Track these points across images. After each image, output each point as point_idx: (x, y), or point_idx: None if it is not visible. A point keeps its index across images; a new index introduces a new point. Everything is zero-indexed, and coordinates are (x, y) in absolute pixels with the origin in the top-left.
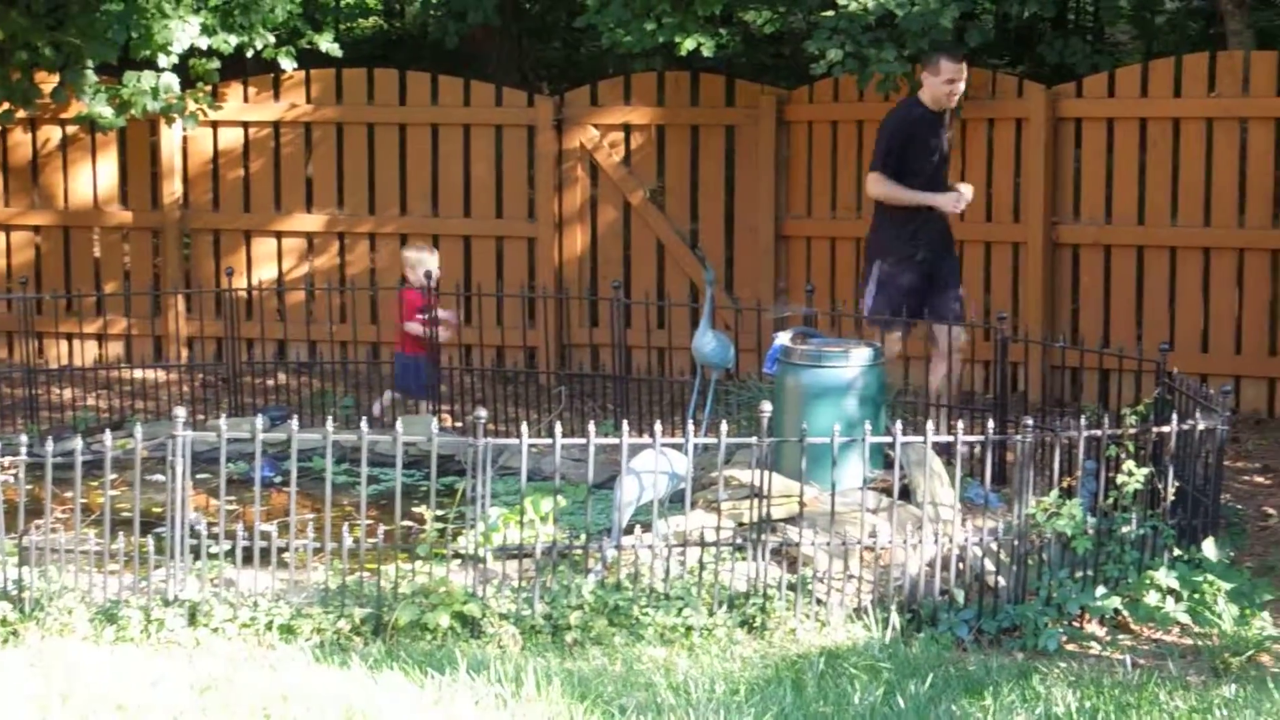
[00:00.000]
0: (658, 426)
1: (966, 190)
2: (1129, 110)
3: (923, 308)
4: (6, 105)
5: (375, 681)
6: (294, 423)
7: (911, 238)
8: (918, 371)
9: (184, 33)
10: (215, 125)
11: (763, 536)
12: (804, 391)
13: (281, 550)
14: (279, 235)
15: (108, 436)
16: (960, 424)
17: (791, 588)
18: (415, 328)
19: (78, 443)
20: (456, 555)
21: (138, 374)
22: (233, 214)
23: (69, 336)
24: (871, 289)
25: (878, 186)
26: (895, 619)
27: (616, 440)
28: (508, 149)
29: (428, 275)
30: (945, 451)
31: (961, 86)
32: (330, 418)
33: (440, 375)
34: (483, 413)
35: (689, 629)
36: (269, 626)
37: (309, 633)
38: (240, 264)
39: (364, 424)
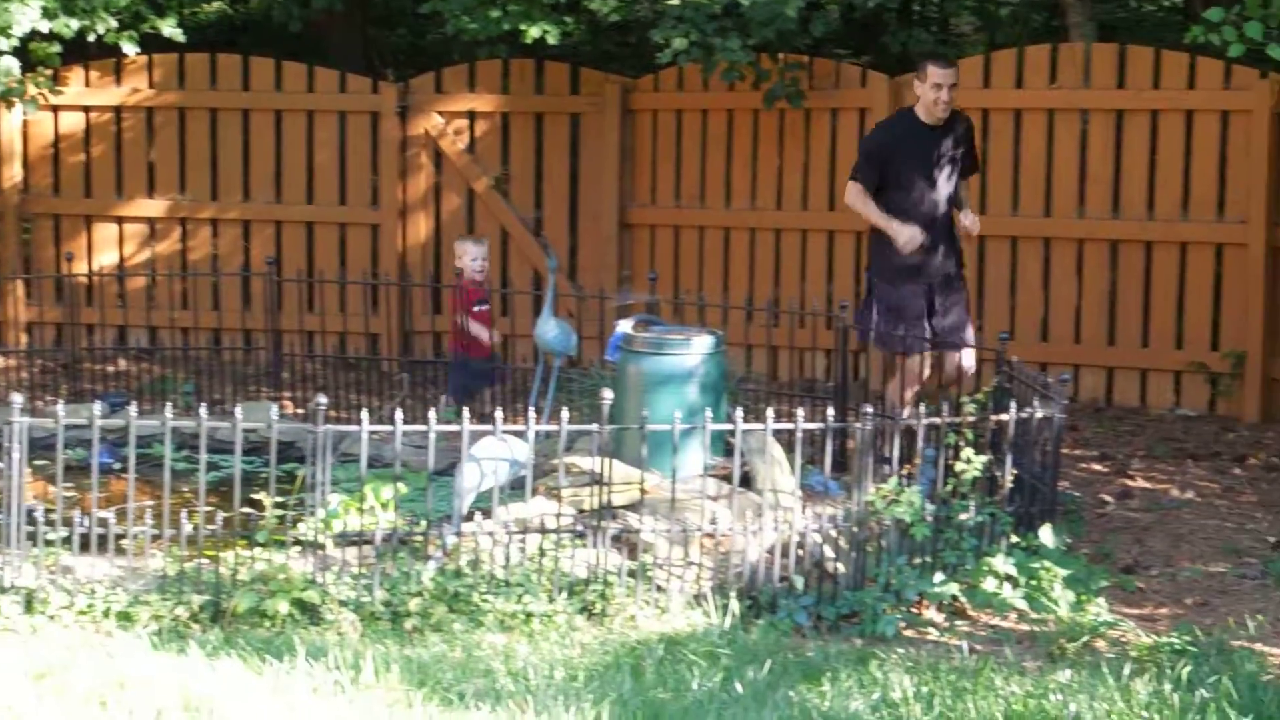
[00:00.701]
0: (499, 413)
1: (914, 232)
2: (971, 101)
3: (931, 336)
4: None
5: (213, 669)
6: (133, 409)
7: (899, 255)
8: (758, 359)
9: (24, 16)
10: (56, 109)
11: (603, 523)
12: (645, 379)
13: (120, 537)
14: (120, 220)
15: None
16: (800, 411)
17: (632, 574)
18: (480, 329)
19: None
20: (296, 542)
21: None
22: (73, 199)
23: None
24: (872, 307)
25: (848, 196)
26: (735, 605)
27: (458, 427)
28: (352, 135)
29: (458, 272)
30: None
31: (950, 95)
32: (170, 404)
33: (491, 376)
34: (323, 399)
35: (529, 615)
36: (106, 614)
37: (147, 620)
38: (81, 249)
39: (203, 410)
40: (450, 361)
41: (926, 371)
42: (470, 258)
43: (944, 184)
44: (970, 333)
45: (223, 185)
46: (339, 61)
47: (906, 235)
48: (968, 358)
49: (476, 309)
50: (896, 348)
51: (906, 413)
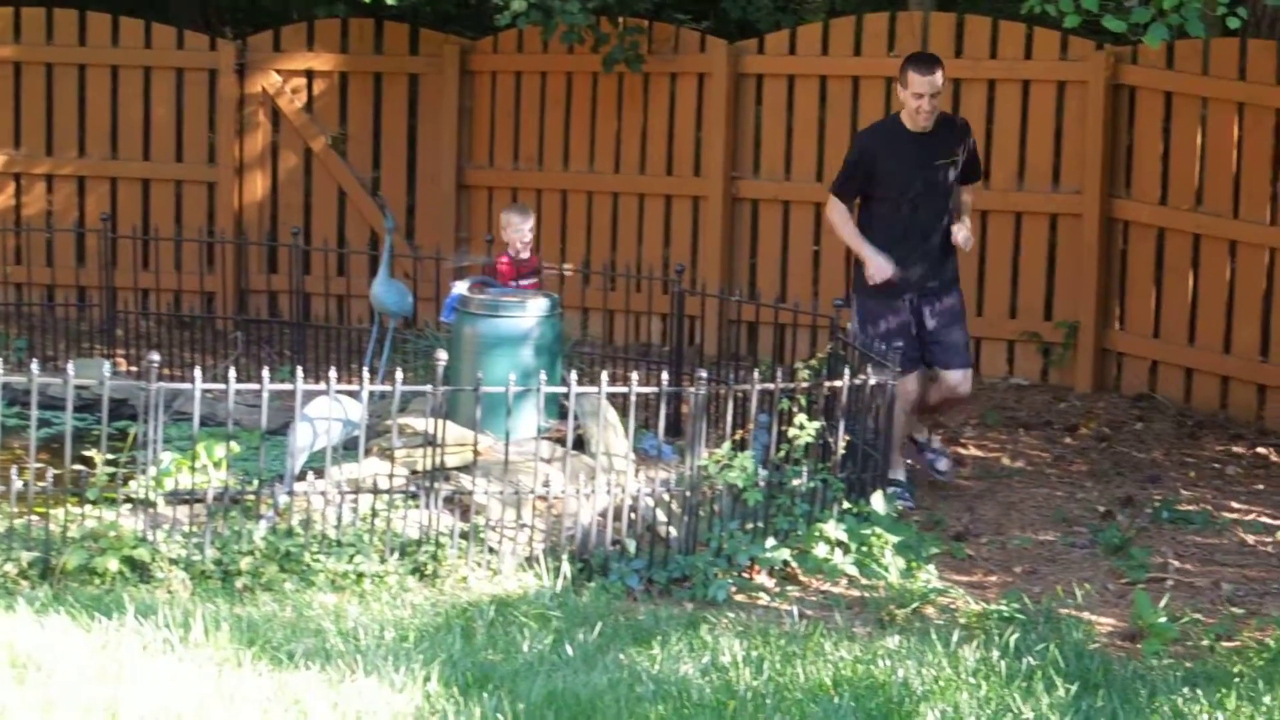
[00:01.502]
0: (333, 373)
1: (883, 264)
2: (810, 68)
3: (919, 354)
4: None
5: (42, 625)
6: None
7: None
8: (595, 322)
9: None
10: None
11: (436, 485)
12: (480, 341)
13: None
14: None
15: None
16: (635, 375)
17: (464, 536)
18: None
19: None
20: (127, 500)
21: None
22: None
23: None
24: (854, 325)
25: (828, 211)
26: (567, 568)
27: (291, 386)
28: (189, 93)
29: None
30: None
31: (932, 105)
32: (1, 360)
33: None
34: (155, 356)
35: (360, 576)
36: None
37: None
38: None
39: (33, 366)
40: None
41: (914, 388)
42: (513, 229)
43: (934, 194)
44: (963, 352)
45: (58, 141)
46: (177, 18)
47: (875, 266)
48: (958, 378)
49: (515, 283)
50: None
51: (897, 432)
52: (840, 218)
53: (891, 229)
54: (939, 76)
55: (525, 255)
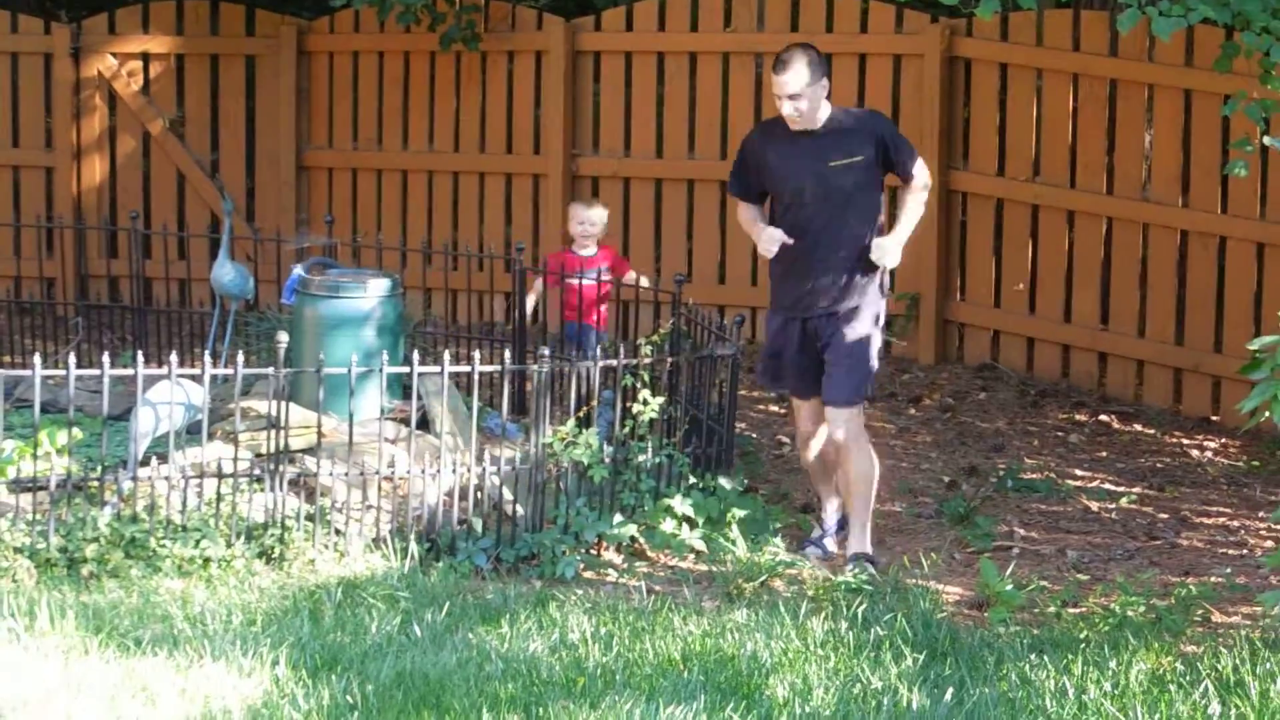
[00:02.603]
0: (174, 357)
1: (772, 234)
2: (647, 44)
3: (812, 384)
4: None
5: None
6: None
7: (779, 281)
8: (438, 302)
9: None
10: None
11: (280, 467)
12: (321, 322)
13: None
14: None
15: None
16: (478, 354)
17: (310, 518)
18: (539, 296)
19: None
20: None
21: None
22: None
23: None
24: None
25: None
26: (414, 548)
27: (133, 371)
28: (24, 76)
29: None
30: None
31: (789, 105)
32: None
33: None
34: None
35: (207, 561)
36: None
37: None
38: None
39: None
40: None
41: (806, 427)
42: (575, 221)
43: (831, 200)
44: (842, 388)
45: None
46: (11, 2)
47: (764, 239)
48: (830, 413)
49: (569, 279)
50: (769, 387)
51: (803, 461)
52: (742, 216)
53: (789, 234)
54: (789, 78)
55: (590, 250)
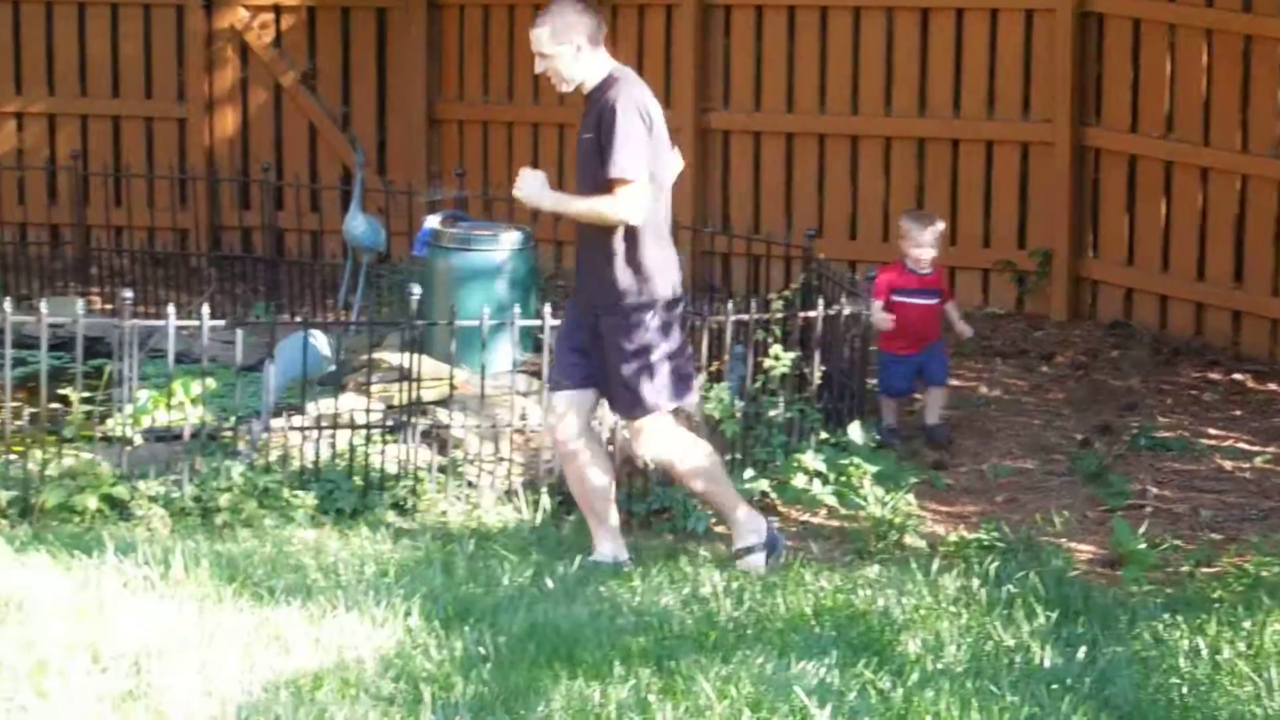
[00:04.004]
0: (308, 309)
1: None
2: None
3: (580, 374)
4: None
5: (22, 564)
6: None
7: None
8: (568, 255)
9: None
10: None
11: (413, 419)
12: (453, 274)
13: None
14: None
15: None
16: None
17: (442, 470)
18: (881, 318)
19: None
20: (105, 438)
21: None
22: None
23: None
24: None
25: None
26: (546, 501)
27: (266, 322)
28: (156, 29)
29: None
30: None
31: (543, 66)
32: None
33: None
34: (129, 294)
35: (340, 511)
36: None
37: None
38: None
39: (6, 304)
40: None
41: (560, 409)
42: (908, 238)
43: (582, 181)
44: (623, 397)
45: (27, 79)
46: None
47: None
48: (626, 425)
49: (905, 298)
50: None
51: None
52: None
53: None
54: (535, 33)
55: (926, 270)
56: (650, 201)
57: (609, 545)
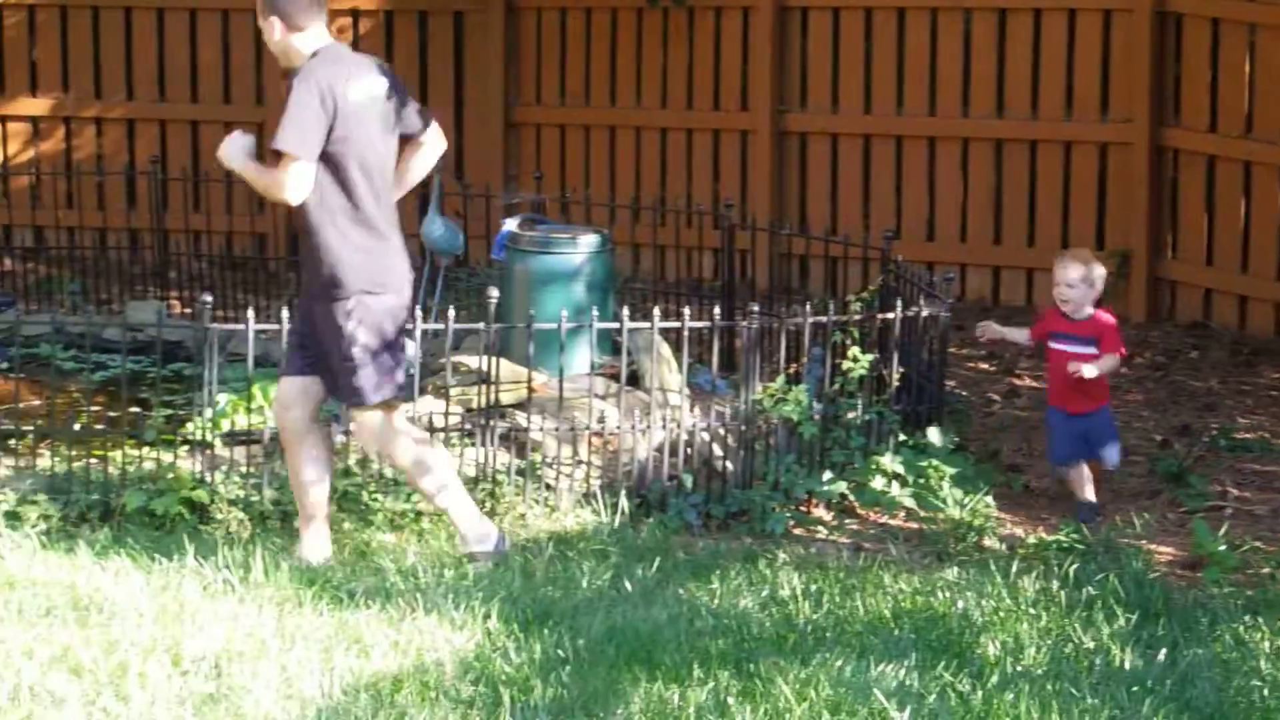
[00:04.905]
0: None
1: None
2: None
3: (305, 360)
4: None
5: (103, 568)
6: (19, 309)
7: None
8: (646, 258)
9: None
10: None
11: (491, 422)
12: (532, 277)
13: (7, 437)
14: (3, 120)
15: None
16: (687, 310)
17: (520, 473)
18: (988, 328)
19: None
20: (185, 442)
21: None
22: None
23: None
24: None
25: None
26: (624, 504)
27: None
28: (235, 33)
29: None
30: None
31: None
32: (57, 304)
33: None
34: (208, 298)
35: (418, 515)
36: None
37: (35, 519)
38: None
39: (90, 309)
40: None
41: (284, 388)
42: (1056, 281)
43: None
44: (340, 386)
45: (106, 84)
46: None
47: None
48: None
49: (1056, 344)
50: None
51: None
52: None
53: None
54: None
55: (1079, 314)
56: (324, 185)
57: (313, 545)
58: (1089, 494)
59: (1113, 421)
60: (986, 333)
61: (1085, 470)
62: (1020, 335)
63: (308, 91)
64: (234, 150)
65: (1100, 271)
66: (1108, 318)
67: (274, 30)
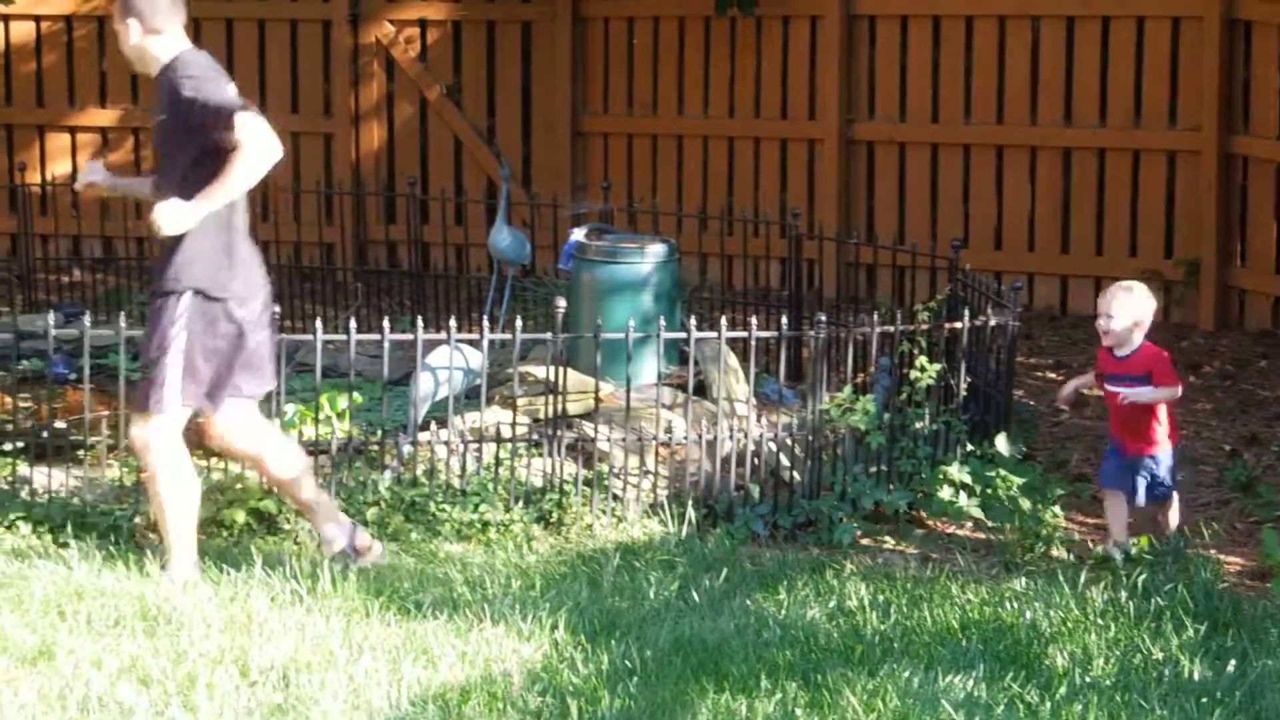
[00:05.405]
0: (453, 322)
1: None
2: (922, 8)
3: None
4: None
5: (172, 578)
6: (87, 319)
7: None
8: (713, 267)
9: None
10: (7, 19)
11: (559, 432)
12: (599, 287)
13: (76, 447)
14: (73, 130)
15: None
16: (754, 320)
17: (588, 483)
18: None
19: None
20: None
21: None
22: (26, 108)
23: None
24: None
25: None
26: (691, 514)
27: (412, 336)
28: (302, 44)
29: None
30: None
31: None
32: (125, 314)
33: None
34: (276, 308)
35: (485, 525)
36: (64, 524)
37: (104, 529)
38: (34, 159)
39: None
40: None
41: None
42: (1103, 310)
43: (159, 163)
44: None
45: None
46: None
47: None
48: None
49: (1110, 385)
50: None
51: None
52: None
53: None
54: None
55: (1122, 351)
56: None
57: (181, 565)
58: (1118, 532)
59: (1173, 471)
60: (1061, 399)
61: (1123, 504)
62: (1086, 380)
63: (212, 74)
64: (174, 220)
65: (1148, 306)
66: (1157, 350)
67: (131, 33)
